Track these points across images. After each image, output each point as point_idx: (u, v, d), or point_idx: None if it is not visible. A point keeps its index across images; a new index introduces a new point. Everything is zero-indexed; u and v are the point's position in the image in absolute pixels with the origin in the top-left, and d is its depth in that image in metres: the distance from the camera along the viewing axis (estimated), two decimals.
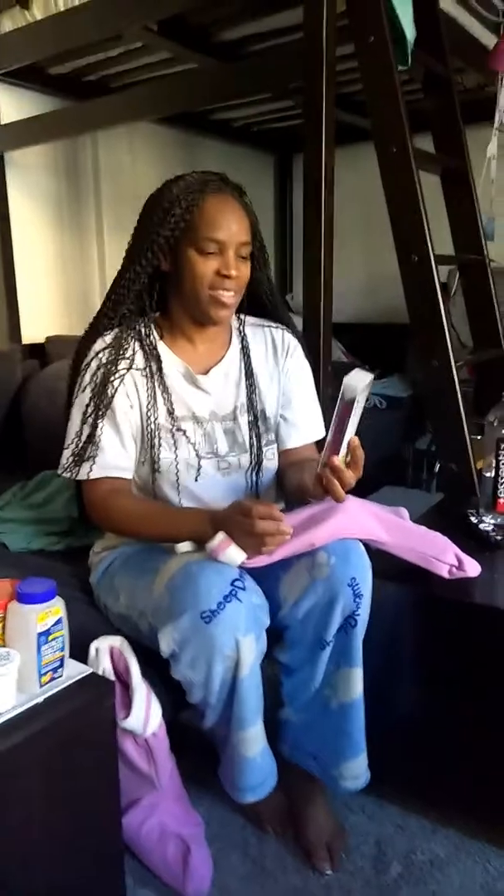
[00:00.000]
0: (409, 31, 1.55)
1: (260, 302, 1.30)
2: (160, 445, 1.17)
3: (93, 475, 1.15)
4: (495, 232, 2.03)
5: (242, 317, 1.30)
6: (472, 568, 1.16)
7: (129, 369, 1.17)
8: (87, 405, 1.15)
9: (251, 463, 1.24)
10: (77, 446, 1.16)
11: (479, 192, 1.91)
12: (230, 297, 1.16)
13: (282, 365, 1.30)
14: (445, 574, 1.15)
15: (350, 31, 1.54)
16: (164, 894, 1.12)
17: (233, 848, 1.21)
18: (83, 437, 1.15)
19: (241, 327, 1.29)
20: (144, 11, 1.81)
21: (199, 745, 1.23)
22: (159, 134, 2.85)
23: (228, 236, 1.13)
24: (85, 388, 1.16)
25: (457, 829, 1.24)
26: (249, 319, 1.31)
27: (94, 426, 1.15)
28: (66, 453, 1.18)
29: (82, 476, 1.16)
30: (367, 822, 1.27)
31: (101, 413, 1.15)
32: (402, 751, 1.26)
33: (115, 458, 1.16)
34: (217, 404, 1.23)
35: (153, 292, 1.21)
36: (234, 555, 1.01)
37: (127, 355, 1.17)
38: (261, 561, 1.04)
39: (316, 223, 1.53)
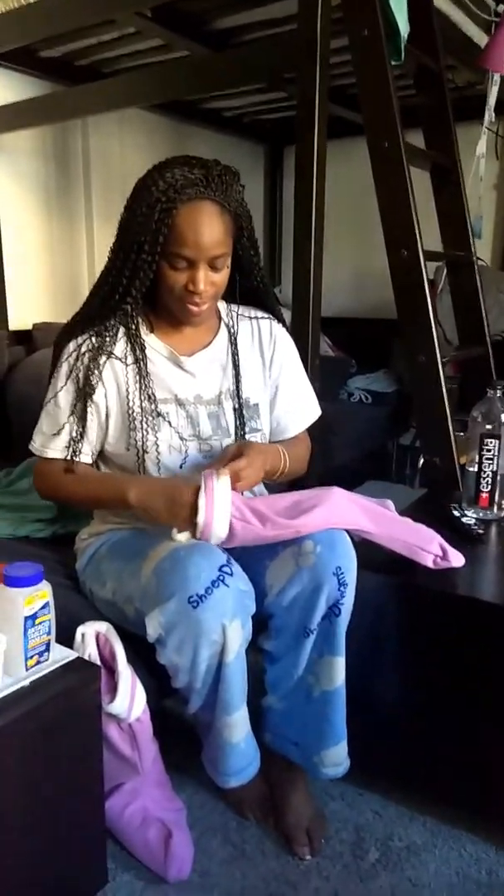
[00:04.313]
0: (403, 27, 1.56)
1: (252, 286, 1.29)
2: (140, 429, 1.18)
3: (50, 454, 1.20)
4: (482, 230, 2.05)
5: (232, 306, 1.30)
6: (457, 559, 1.17)
7: (107, 359, 1.19)
8: (63, 394, 1.19)
9: None
10: (51, 431, 1.20)
11: (468, 189, 1.93)
12: (200, 308, 1.16)
13: (269, 357, 1.31)
14: (430, 564, 1.17)
15: (344, 24, 1.55)
16: (146, 878, 1.13)
17: (213, 833, 1.23)
18: (57, 423, 1.20)
19: (230, 315, 1.30)
20: None
21: (181, 732, 1.24)
22: (150, 121, 2.83)
23: (196, 253, 1.11)
24: (62, 376, 1.19)
25: (434, 816, 1.27)
26: (238, 309, 1.31)
27: (68, 414, 1.19)
28: (37, 434, 1.23)
29: (42, 453, 1.21)
30: (347, 809, 1.29)
31: (75, 402, 1.18)
32: (382, 739, 1.27)
33: (77, 442, 1.19)
34: (202, 388, 1.24)
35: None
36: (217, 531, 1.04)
37: (109, 348, 1.19)
38: (241, 539, 1.06)
39: (307, 216, 1.54)
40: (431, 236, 1.74)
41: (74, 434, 1.19)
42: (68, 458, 1.19)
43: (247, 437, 1.26)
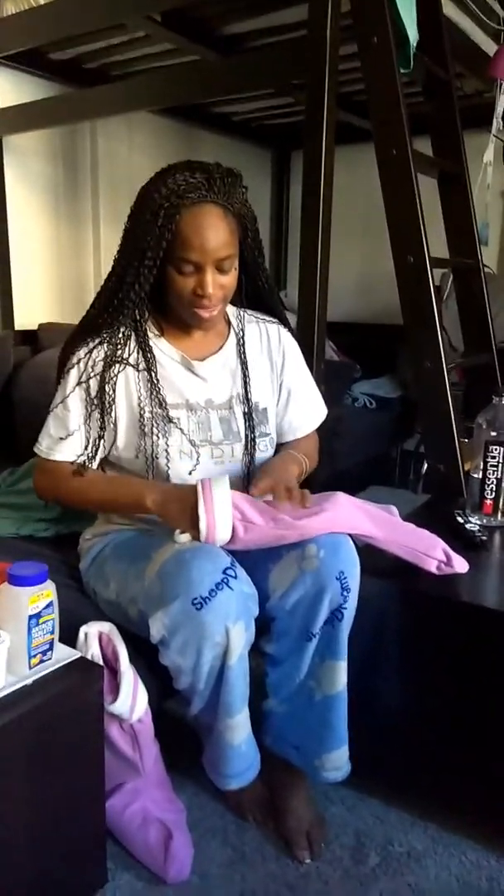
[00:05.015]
0: (412, 35, 1.57)
1: (256, 287, 1.29)
2: (150, 434, 1.18)
3: (57, 457, 1.20)
4: (489, 237, 2.06)
5: (241, 311, 1.31)
6: (461, 564, 1.18)
7: (120, 367, 1.19)
8: (73, 399, 1.19)
9: (244, 453, 1.25)
10: (59, 434, 1.20)
11: (475, 197, 1.93)
12: (210, 312, 1.17)
13: (279, 363, 1.32)
14: (434, 570, 1.17)
15: (354, 31, 1.55)
16: (145, 879, 1.13)
17: (213, 835, 1.23)
18: (66, 427, 1.19)
19: (240, 320, 1.31)
20: (148, 2, 1.81)
21: (182, 734, 1.24)
22: (158, 124, 2.84)
23: (203, 256, 1.11)
24: (72, 381, 1.18)
25: (435, 822, 1.26)
26: (247, 313, 1.32)
27: (79, 420, 1.19)
28: (44, 437, 1.22)
29: (49, 455, 1.20)
30: (347, 814, 1.29)
31: (89, 410, 1.18)
32: (383, 744, 1.27)
33: (93, 449, 1.20)
34: (213, 392, 1.24)
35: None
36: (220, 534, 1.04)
37: (121, 355, 1.19)
38: (244, 543, 1.06)
39: (314, 220, 1.54)
40: (438, 243, 1.75)
41: (89, 441, 1.19)
42: (83, 462, 1.19)
43: (256, 441, 1.26)
